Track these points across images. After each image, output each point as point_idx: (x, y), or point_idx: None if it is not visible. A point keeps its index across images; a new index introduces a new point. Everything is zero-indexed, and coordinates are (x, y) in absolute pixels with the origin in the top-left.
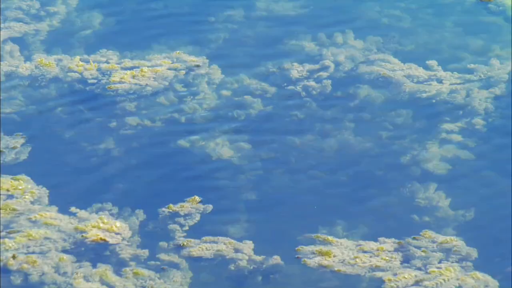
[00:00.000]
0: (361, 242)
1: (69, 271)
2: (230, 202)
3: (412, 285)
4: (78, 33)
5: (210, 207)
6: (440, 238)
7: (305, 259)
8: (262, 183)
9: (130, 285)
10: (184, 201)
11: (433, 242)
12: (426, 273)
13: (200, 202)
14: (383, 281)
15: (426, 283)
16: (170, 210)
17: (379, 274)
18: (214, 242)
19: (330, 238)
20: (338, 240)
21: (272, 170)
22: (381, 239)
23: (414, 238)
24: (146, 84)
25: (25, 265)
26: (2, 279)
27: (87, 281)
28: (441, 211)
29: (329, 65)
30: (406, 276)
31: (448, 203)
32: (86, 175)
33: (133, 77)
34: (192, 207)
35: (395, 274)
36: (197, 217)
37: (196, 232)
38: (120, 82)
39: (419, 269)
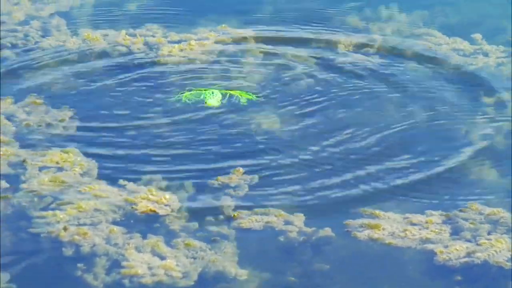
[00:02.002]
0: (408, 215)
1: (120, 242)
2: (277, 175)
3: (464, 256)
4: (123, 7)
5: (256, 178)
6: (487, 210)
7: (355, 232)
8: (309, 156)
9: (181, 255)
10: (230, 173)
11: (480, 214)
12: (477, 244)
13: (244, 173)
14: (434, 253)
15: (478, 254)
16: (219, 182)
17: (430, 246)
18: (265, 214)
19: (377, 211)
20: (385, 213)
21: (319, 143)
22: (428, 211)
23: (461, 210)
24: (194, 58)
25: (77, 237)
26: (55, 250)
27: (139, 252)
28: (487, 183)
29: (376, 39)
30: (457, 248)
31: (494, 175)
32: (134, 148)
33: (181, 50)
34: (240, 178)
35: (446, 246)
36: (246, 189)
37: (245, 204)
38: (168, 56)
39: (469, 241)
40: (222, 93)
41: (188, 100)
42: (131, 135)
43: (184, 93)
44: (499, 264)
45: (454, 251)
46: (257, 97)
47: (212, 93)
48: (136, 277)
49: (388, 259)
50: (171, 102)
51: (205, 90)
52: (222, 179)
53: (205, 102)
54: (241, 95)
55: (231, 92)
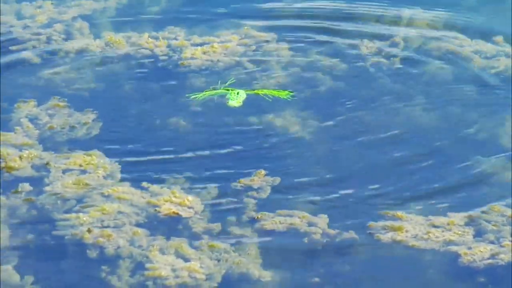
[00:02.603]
0: (430, 217)
1: (144, 244)
2: (300, 177)
3: (488, 258)
4: (145, 10)
5: (278, 180)
6: (509, 211)
7: (378, 235)
8: (331, 158)
9: (205, 257)
10: (252, 175)
11: (502, 216)
12: (500, 246)
13: (266, 175)
14: (459, 255)
15: (502, 256)
16: (242, 184)
17: (453, 248)
18: (288, 215)
19: (399, 213)
20: (407, 215)
21: (341, 146)
22: (450, 213)
23: (483, 212)
24: (218, 60)
25: (101, 239)
26: (79, 253)
27: (163, 253)
28: (509, 185)
29: (398, 41)
30: (481, 250)
31: None
32: (156, 150)
33: (204, 53)
34: (262, 180)
35: (469, 248)
36: (268, 191)
37: (268, 206)
38: (192, 58)
39: (493, 242)
40: (247, 93)
41: (211, 96)
42: (154, 137)
43: (207, 91)
44: None
45: (478, 253)
46: (289, 92)
47: (237, 93)
48: (160, 279)
49: (411, 261)
50: (193, 100)
51: (230, 90)
52: (244, 181)
53: (227, 103)
54: (272, 94)
55: (258, 91)
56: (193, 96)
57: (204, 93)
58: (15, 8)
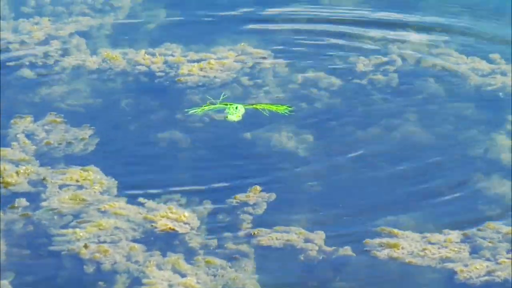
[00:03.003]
0: (426, 234)
1: (141, 260)
2: (294, 193)
3: (485, 275)
4: (141, 27)
5: (273, 196)
6: (504, 229)
7: (375, 251)
8: (326, 174)
9: (201, 273)
10: (247, 192)
11: (498, 233)
12: (497, 263)
13: (261, 191)
14: (455, 272)
15: (498, 273)
16: (237, 200)
17: (450, 265)
18: (285, 232)
19: (395, 230)
20: (403, 232)
21: (336, 162)
22: (445, 230)
23: (478, 229)
24: (215, 76)
25: (97, 254)
26: (75, 268)
27: (160, 269)
28: (504, 202)
29: (395, 59)
30: (477, 267)
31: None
32: (153, 166)
33: (201, 69)
34: (257, 196)
35: (466, 265)
36: (264, 207)
37: (263, 222)
38: (188, 75)
39: (489, 259)
40: (246, 108)
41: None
42: (151, 153)
43: (205, 106)
44: None
45: (475, 270)
46: (287, 107)
47: (236, 108)
48: None
49: (408, 278)
50: (191, 114)
51: (229, 104)
52: (240, 197)
53: (226, 117)
54: (269, 109)
55: (257, 106)
56: (192, 111)
57: (202, 108)
58: (12, 25)
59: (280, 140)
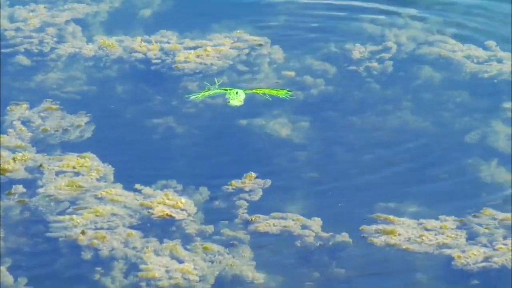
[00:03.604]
0: (422, 220)
1: (138, 246)
2: (291, 179)
3: (482, 261)
4: (137, 14)
5: (269, 183)
6: (500, 215)
7: (372, 238)
8: (322, 161)
9: (199, 259)
10: (243, 178)
11: (494, 219)
12: (494, 249)
13: (256, 177)
14: (452, 258)
15: (495, 259)
16: (233, 187)
17: (447, 251)
18: (282, 218)
19: (391, 217)
20: (399, 218)
21: (332, 149)
22: (441, 217)
23: (474, 216)
24: (211, 64)
25: (95, 241)
26: (73, 254)
27: (157, 255)
28: (501, 188)
29: (391, 46)
30: (475, 253)
31: (508, 181)
32: (149, 152)
33: (198, 56)
34: (253, 183)
35: (463, 251)
36: (260, 193)
37: (260, 208)
38: (185, 62)
39: (486, 245)
40: (246, 93)
41: (209, 96)
42: (147, 140)
43: (205, 91)
44: None
45: (472, 256)
46: (288, 92)
47: (236, 93)
48: (153, 280)
49: (405, 264)
50: (190, 100)
51: (229, 89)
52: (236, 183)
53: (228, 102)
54: (270, 93)
55: (257, 91)
56: (192, 97)
57: (202, 93)
58: (8, 12)
59: (275, 127)
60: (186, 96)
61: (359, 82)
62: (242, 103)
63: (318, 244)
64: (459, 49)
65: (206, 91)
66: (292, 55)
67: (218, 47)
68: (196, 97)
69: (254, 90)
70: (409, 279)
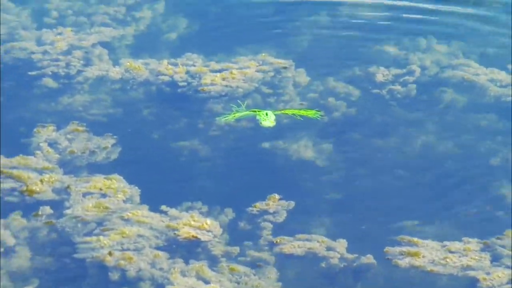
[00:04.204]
0: (446, 242)
1: (165, 267)
2: (314, 202)
3: (507, 282)
4: (163, 37)
5: (292, 204)
6: None
7: (396, 260)
8: (345, 184)
9: (225, 280)
10: (266, 200)
11: None
12: None
13: (280, 199)
14: (477, 280)
15: None
16: (258, 209)
17: (472, 273)
18: (307, 240)
19: (415, 239)
20: (423, 241)
21: (355, 171)
22: (465, 239)
23: (498, 238)
24: (237, 86)
25: (122, 262)
26: (100, 275)
27: (184, 276)
28: None
29: (415, 69)
30: (499, 275)
31: None
32: (175, 175)
33: (224, 79)
34: (277, 204)
35: (488, 273)
36: (284, 215)
37: (284, 230)
38: (211, 84)
39: (510, 267)
40: (275, 114)
41: (239, 117)
42: (173, 161)
43: (235, 113)
44: None
45: (497, 278)
46: (317, 112)
47: (266, 114)
48: None
49: (430, 286)
50: (223, 122)
51: (258, 111)
52: (260, 205)
53: (260, 123)
54: (299, 114)
55: (286, 112)
56: (224, 119)
57: (232, 115)
58: (36, 35)
59: (299, 150)
60: (217, 118)
61: (382, 105)
62: (274, 123)
63: (343, 266)
64: (482, 72)
65: (236, 113)
66: (316, 78)
67: (243, 70)
68: (226, 119)
69: (283, 111)
70: None
